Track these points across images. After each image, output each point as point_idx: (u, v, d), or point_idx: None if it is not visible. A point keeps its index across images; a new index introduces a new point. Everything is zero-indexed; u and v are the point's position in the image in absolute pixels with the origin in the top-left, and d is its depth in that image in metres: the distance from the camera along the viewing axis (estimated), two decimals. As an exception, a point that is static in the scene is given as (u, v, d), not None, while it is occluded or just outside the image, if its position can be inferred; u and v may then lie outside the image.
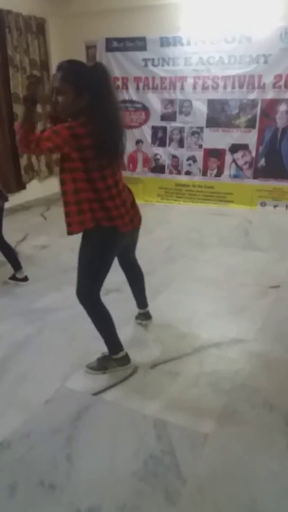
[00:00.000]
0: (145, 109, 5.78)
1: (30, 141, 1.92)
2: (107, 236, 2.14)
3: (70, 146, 1.92)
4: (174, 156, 5.85)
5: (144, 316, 2.86)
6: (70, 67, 1.94)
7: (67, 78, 1.90)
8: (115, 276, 3.63)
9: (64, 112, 2.00)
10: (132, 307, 3.06)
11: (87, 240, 2.14)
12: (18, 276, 3.49)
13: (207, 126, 5.57)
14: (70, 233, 2.10)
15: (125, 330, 2.79)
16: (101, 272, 2.20)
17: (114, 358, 2.36)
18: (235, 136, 5.48)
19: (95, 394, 2.20)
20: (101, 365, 2.36)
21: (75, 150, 1.94)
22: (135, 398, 2.17)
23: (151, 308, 2.88)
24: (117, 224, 2.12)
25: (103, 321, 2.30)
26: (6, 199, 3.35)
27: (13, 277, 3.50)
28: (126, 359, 2.38)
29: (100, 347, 2.53)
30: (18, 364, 2.46)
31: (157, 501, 1.63)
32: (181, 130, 5.72)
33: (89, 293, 2.22)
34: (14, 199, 5.61)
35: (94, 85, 1.91)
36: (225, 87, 5.33)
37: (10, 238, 4.56)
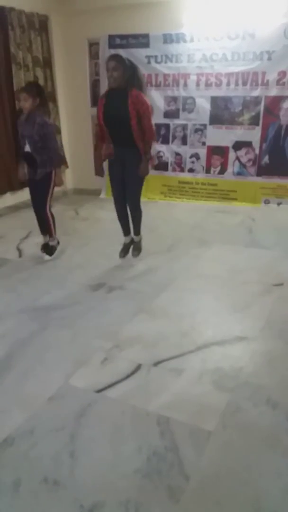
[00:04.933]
0: (148, 106, 5.75)
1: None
2: None
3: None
4: (177, 154, 5.83)
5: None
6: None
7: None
8: (118, 273, 3.66)
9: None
10: (135, 304, 3.07)
11: (139, 159, 3.40)
12: None
13: (210, 123, 5.56)
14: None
15: (128, 327, 2.80)
16: None
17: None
18: (238, 133, 5.46)
19: (98, 391, 2.21)
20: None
21: None
22: (138, 395, 2.17)
23: (155, 305, 2.87)
24: None
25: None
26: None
27: None
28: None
29: (103, 344, 2.54)
30: (21, 361, 2.47)
31: (160, 498, 1.63)
32: (184, 127, 5.71)
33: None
34: (18, 197, 5.61)
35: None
36: (228, 84, 5.31)
37: (14, 235, 4.58)
